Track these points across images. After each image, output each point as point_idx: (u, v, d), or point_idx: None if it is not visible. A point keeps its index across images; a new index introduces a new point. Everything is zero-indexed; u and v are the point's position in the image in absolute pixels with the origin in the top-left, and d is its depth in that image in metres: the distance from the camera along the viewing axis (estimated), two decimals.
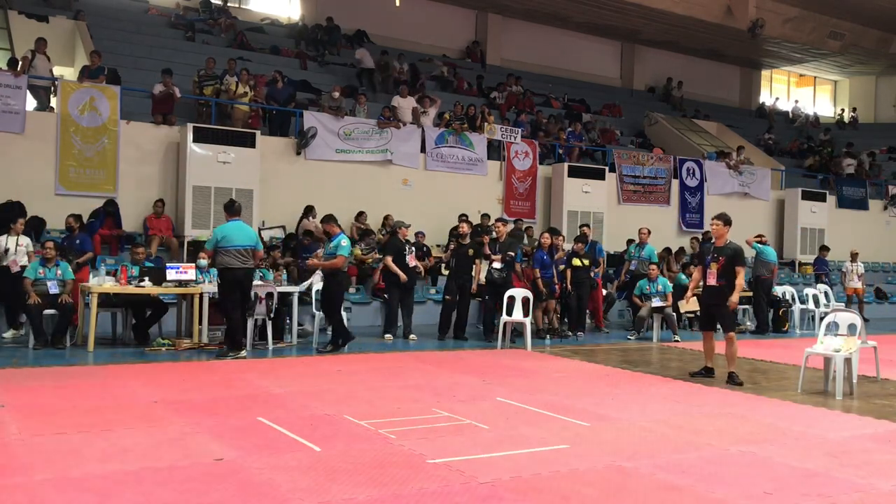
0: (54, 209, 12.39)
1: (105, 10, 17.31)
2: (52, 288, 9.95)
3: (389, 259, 11.56)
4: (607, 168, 18.01)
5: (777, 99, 30.02)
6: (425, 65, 21.18)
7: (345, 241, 10.35)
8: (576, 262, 12.95)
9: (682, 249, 17.42)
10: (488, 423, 6.31)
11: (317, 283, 11.01)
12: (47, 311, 9.82)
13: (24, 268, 10.03)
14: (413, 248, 12.13)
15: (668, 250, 16.63)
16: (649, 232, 14.52)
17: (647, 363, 10.28)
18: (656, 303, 12.89)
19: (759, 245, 14.65)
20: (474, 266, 12.07)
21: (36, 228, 12.08)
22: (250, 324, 10.19)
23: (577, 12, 22.86)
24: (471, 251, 12.07)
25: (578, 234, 13.76)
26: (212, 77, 15.20)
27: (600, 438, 5.99)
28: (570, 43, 24.73)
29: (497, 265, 11.96)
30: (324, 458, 5.20)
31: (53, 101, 13.12)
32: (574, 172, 17.27)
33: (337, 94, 15.60)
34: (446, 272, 13.11)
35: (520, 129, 17.56)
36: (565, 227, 16.67)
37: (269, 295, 10.35)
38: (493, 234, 12.55)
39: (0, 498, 4.18)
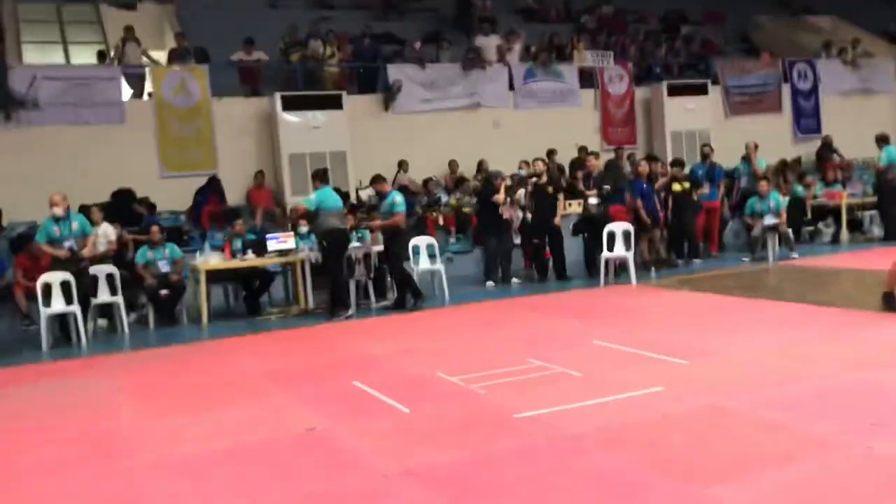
0: (161, 192, 12.94)
1: None
2: (164, 267, 10.43)
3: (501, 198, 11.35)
4: (710, 82, 17.05)
5: None
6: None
7: (399, 198, 10.25)
8: (675, 186, 12.43)
9: (798, 159, 16.44)
10: (582, 369, 6.17)
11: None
12: (163, 291, 10.30)
13: (95, 256, 10.18)
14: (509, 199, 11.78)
15: (783, 162, 15.71)
16: (756, 146, 13.70)
17: (758, 287, 9.81)
18: (768, 220, 12.21)
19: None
20: (557, 204, 11.65)
21: (149, 213, 12.67)
22: (352, 284, 10.36)
23: None
24: (550, 188, 11.65)
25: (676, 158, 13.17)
26: (297, 43, 15.30)
27: (698, 377, 5.76)
28: None
29: (593, 200, 11.62)
30: (412, 420, 5.24)
31: (148, 87, 13.57)
32: (674, 91, 16.48)
33: (418, 45, 15.41)
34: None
35: (611, 53, 16.84)
36: (669, 149, 16.02)
37: (367, 255, 10.48)
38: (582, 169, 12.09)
39: (99, 484, 4.44)
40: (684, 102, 16.44)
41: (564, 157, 15.00)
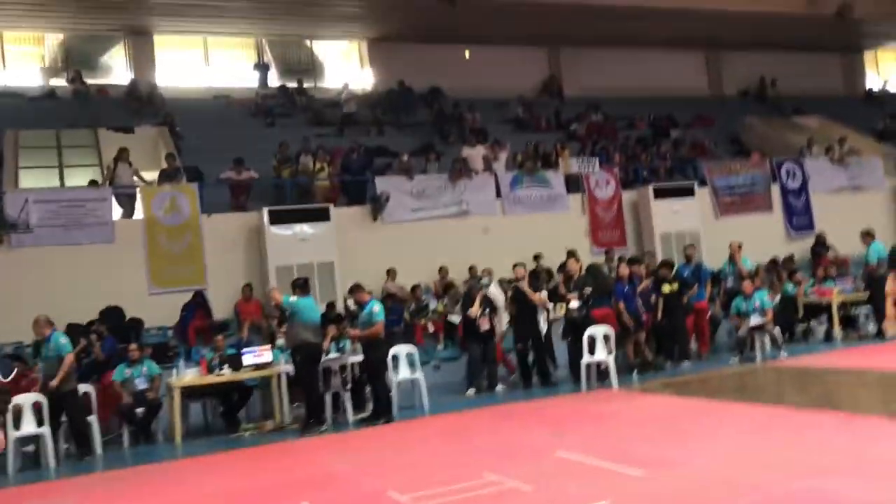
0: (150, 308, 13.05)
1: (189, 110, 18.28)
2: (141, 384, 10.42)
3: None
4: (696, 184, 17.25)
5: (886, 81, 28.00)
6: (501, 109, 21.15)
7: (377, 307, 10.24)
8: (664, 288, 12.38)
9: (791, 257, 16.37)
10: (535, 483, 5.99)
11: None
12: (139, 409, 10.24)
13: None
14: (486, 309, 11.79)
15: (773, 261, 15.66)
16: (740, 246, 13.71)
17: (739, 389, 9.62)
18: (754, 320, 12.07)
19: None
20: (538, 309, 11.63)
21: (135, 330, 12.76)
22: (328, 397, 10.26)
23: (654, 30, 22.17)
24: (530, 294, 11.65)
25: (664, 259, 13.19)
26: (287, 159, 15.73)
27: (648, 490, 5.57)
28: (649, 61, 24.00)
29: (574, 304, 11.58)
30: None
31: (138, 206, 13.90)
32: (660, 193, 16.65)
33: (406, 157, 15.80)
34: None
35: (596, 159, 17.16)
36: (659, 250, 16.03)
37: (344, 366, 10.42)
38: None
39: None
40: (671, 204, 16.58)
41: (555, 261, 15.06)
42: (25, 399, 9.30)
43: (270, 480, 7.36)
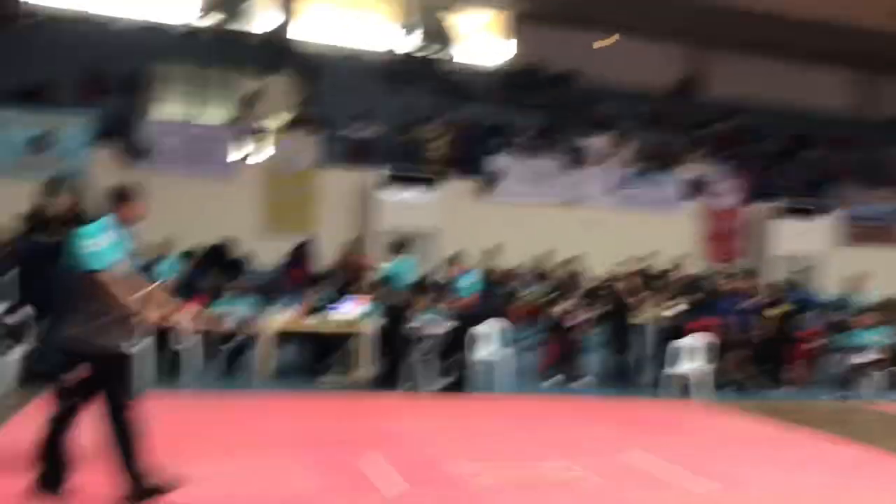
0: (259, 249, 13.54)
1: (323, 64, 18.65)
2: (238, 320, 10.82)
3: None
4: (828, 207, 16.37)
5: None
6: (630, 102, 20.64)
7: (472, 281, 10.28)
8: (773, 311, 11.85)
9: None
10: (599, 477, 5.90)
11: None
12: (234, 342, 10.65)
13: None
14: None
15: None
16: (867, 277, 12.95)
17: (833, 424, 9.09)
18: (865, 356, 11.39)
19: None
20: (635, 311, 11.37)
21: (241, 267, 13.26)
22: (412, 361, 10.37)
23: (801, 40, 21.10)
24: (629, 297, 11.40)
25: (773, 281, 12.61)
26: (408, 124, 15.89)
27: None
28: (791, 73, 22.79)
29: (671, 311, 11.25)
30: (385, 502, 5.13)
31: (261, 150, 14.38)
32: (786, 212, 15.90)
33: (524, 138, 15.68)
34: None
35: (721, 166, 16.53)
36: (773, 271, 15.35)
37: (430, 335, 10.49)
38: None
39: None
40: (796, 225, 15.82)
41: (661, 265, 14.66)
42: None
43: (344, 428, 7.51)
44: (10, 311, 4.80)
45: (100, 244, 4.52)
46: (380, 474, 5.71)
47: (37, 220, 4.85)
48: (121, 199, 4.81)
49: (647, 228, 15.44)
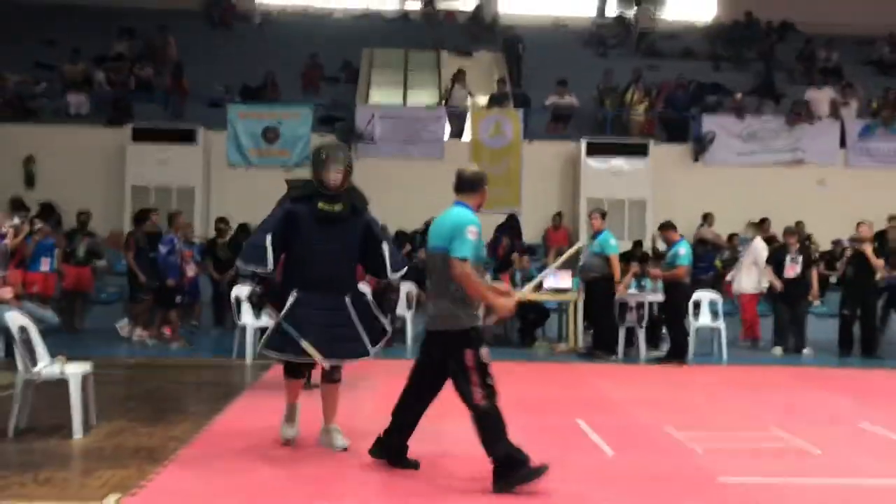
0: None
1: (526, 36, 18.65)
2: None
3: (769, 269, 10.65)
4: None
5: None
6: (862, 48, 18.82)
7: (683, 250, 9.77)
8: None
9: None
10: (825, 448, 5.51)
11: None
12: None
13: None
14: (797, 257, 10.81)
15: None
16: None
17: None
18: None
19: None
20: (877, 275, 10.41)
21: None
22: (622, 332, 10.23)
23: None
24: (874, 257, 10.43)
25: None
26: (611, 89, 15.57)
27: None
28: None
29: None
30: (608, 463, 5.13)
31: (467, 128, 14.74)
32: None
33: (739, 96, 14.81)
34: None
35: None
36: None
37: (640, 304, 10.28)
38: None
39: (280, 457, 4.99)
40: None
41: None
42: None
43: (550, 395, 7.59)
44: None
45: (475, 233, 4.53)
46: (596, 437, 5.72)
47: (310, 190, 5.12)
48: (479, 185, 4.79)
49: (886, 184, 14.07)
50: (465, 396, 4.55)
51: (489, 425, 4.51)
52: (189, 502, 4.13)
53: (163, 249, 10.26)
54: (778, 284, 10.69)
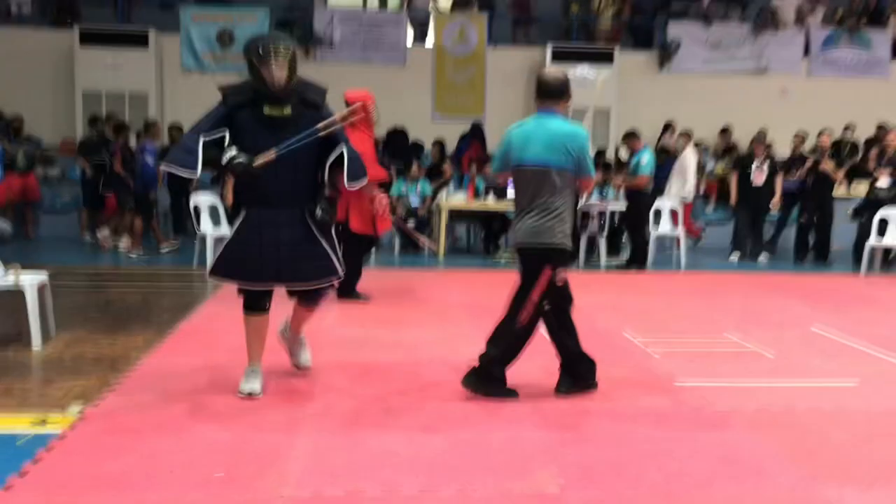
0: (430, 133, 13.72)
1: None
2: (414, 201, 11.17)
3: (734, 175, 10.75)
4: None
5: None
6: None
7: (646, 159, 9.82)
8: None
9: None
10: (778, 351, 5.69)
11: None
12: (409, 222, 11.04)
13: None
14: (762, 165, 10.91)
15: None
16: None
17: None
18: None
19: None
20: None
21: (416, 151, 13.54)
22: (583, 241, 10.32)
23: None
24: (831, 167, 10.59)
25: None
26: None
27: None
28: None
29: (883, 182, 10.35)
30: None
31: (430, 34, 14.37)
32: None
33: (706, 3, 14.59)
34: None
35: None
36: None
37: (602, 213, 10.35)
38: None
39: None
40: None
41: (863, 135, 13.49)
42: None
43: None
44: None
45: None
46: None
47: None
48: (567, 92, 4.46)
49: (847, 94, 14.14)
50: (514, 307, 4.50)
51: (510, 344, 4.49)
52: (153, 412, 4.12)
53: (150, 159, 10.17)
54: (734, 196, 10.85)
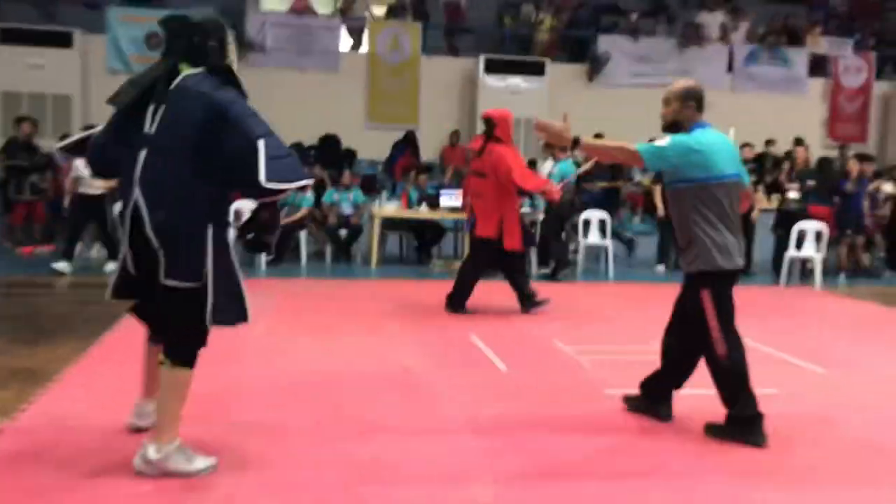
0: (363, 141, 13.72)
1: None
2: (347, 209, 11.11)
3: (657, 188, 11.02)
4: None
5: None
6: None
7: (556, 169, 10.00)
8: (888, 188, 11.21)
9: None
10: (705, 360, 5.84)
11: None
12: (342, 231, 10.99)
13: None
14: None
15: None
16: None
17: None
18: None
19: None
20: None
21: (349, 159, 13.51)
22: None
23: None
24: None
25: None
26: (511, 6, 15.44)
27: (823, 385, 5.28)
28: None
29: (792, 194, 10.77)
30: (504, 378, 5.27)
31: (365, 40, 14.34)
32: None
33: (635, 17, 14.96)
34: None
35: (851, 41, 15.35)
36: None
37: (533, 223, 10.48)
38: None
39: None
40: None
41: (783, 149, 14.01)
42: None
43: (442, 310, 7.69)
44: None
45: None
46: (489, 352, 5.87)
47: None
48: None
49: (768, 109, 14.68)
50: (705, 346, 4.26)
51: (730, 382, 4.19)
52: (73, 425, 3.99)
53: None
54: (660, 208, 11.10)
